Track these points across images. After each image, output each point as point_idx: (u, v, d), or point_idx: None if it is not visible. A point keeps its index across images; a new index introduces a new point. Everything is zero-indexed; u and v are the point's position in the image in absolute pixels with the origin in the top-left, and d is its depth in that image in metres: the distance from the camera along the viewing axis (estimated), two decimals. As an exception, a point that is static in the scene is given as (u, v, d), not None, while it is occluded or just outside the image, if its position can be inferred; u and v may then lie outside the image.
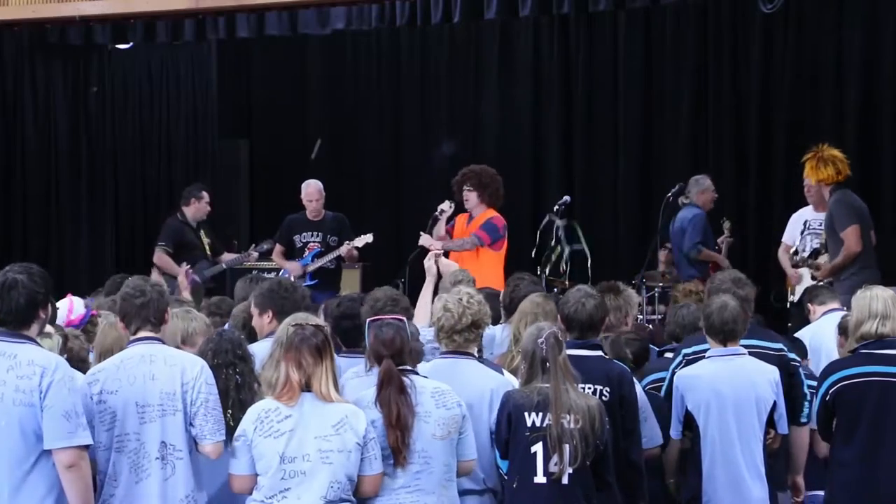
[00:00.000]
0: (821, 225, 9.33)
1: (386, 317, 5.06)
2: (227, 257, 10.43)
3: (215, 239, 10.49)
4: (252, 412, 4.75)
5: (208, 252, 10.27)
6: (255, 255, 10.40)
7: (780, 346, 5.99)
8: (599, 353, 5.48)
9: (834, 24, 11.34)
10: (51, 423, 4.44)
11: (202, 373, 4.81)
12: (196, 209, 10.35)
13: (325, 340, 4.79)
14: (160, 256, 10.13)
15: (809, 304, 7.34)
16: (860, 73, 11.20)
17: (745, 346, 5.76)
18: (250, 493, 4.73)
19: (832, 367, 5.75)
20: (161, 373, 4.78)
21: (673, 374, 5.85)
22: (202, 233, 10.34)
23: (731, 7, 11.64)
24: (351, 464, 4.69)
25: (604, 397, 5.30)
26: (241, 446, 4.71)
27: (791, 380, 5.86)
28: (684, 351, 5.97)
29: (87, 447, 4.53)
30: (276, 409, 4.70)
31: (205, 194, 10.45)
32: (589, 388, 5.28)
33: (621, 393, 5.37)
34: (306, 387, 4.72)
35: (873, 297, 5.63)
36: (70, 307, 6.19)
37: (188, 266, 9.72)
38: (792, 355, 6.01)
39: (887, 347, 5.58)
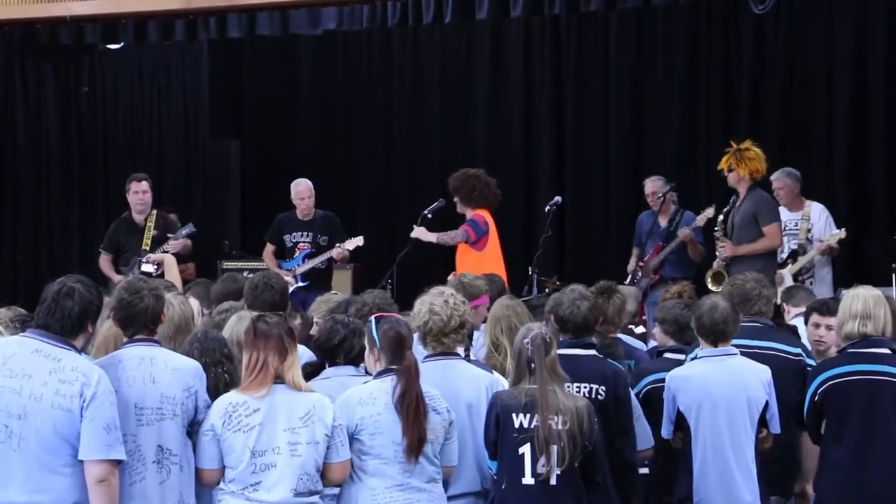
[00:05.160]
0: (797, 225, 9.53)
1: (391, 314, 5.11)
2: (171, 243, 9.77)
3: (165, 228, 9.92)
4: (219, 406, 4.76)
5: (149, 246, 9.79)
6: (178, 242, 9.74)
7: (798, 350, 6.00)
8: (593, 352, 5.49)
9: (825, 24, 11.35)
10: (90, 435, 4.42)
11: (202, 379, 4.83)
12: (130, 201, 9.96)
13: (292, 330, 4.89)
14: (100, 260, 9.97)
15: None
16: (851, 74, 11.21)
17: (764, 348, 5.79)
18: (216, 486, 4.76)
19: (820, 367, 5.76)
20: (162, 376, 4.75)
21: None
22: (149, 225, 9.88)
23: (723, 8, 11.64)
24: (319, 454, 4.73)
25: (599, 396, 5.33)
26: (210, 440, 4.74)
27: (806, 385, 5.81)
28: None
29: (119, 462, 4.50)
30: (244, 403, 4.72)
31: (132, 185, 9.93)
32: (584, 388, 5.31)
33: (616, 392, 5.39)
34: (277, 377, 4.75)
35: (855, 297, 5.65)
36: None
37: (124, 269, 9.58)
38: (809, 360, 6.01)
39: (874, 346, 5.59)
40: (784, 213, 9.64)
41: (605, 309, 6.05)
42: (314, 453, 4.71)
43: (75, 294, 4.53)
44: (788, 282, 9.40)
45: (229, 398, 4.76)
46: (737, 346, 5.79)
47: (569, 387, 5.19)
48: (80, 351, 4.60)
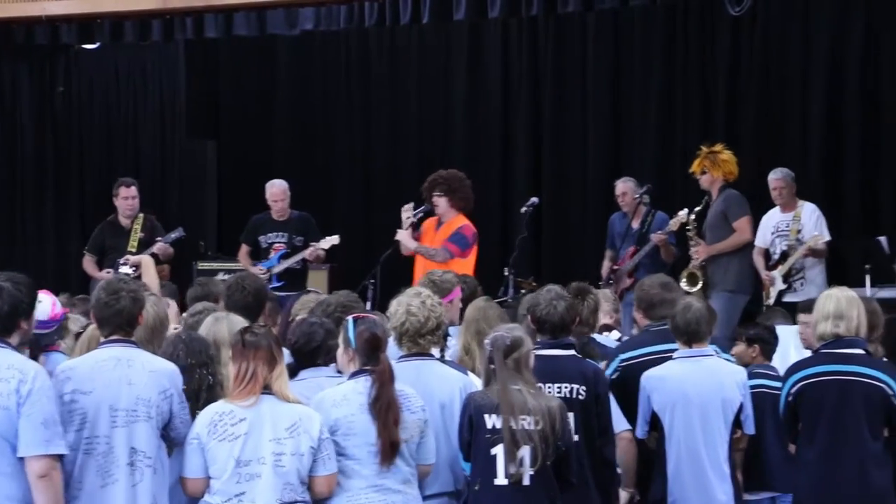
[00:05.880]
0: (788, 227, 9.54)
1: (367, 315, 5.08)
2: (158, 246, 9.74)
3: (152, 231, 9.95)
4: (205, 415, 4.73)
5: (135, 248, 9.77)
6: (165, 246, 9.71)
7: (711, 347, 6.01)
8: (572, 352, 5.49)
9: (801, 25, 11.39)
10: (28, 431, 4.39)
11: (179, 382, 4.81)
12: (119, 206, 10.00)
13: (279, 340, 4.87)
14: (84, 261, 10.01)
15: None
16: (827, 75, 11.25)
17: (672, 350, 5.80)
18: (202, 496, 4.72)
19: (794, 368, 5.82)
20: (139, 378, 4.72)
21: (614, 372, 5.91)
22: (136, 228, 9.91)
23: (699, 9, 11.66)
24: (304, 466, 4.70)
25: (580, 396, 5.32)
26: (195, 449, 4.71)
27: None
28: (621, 356, 6.00)
29: (60, 457, 4.47)
30: (231, 413, 4.69)
31: (121, 190, 9.98)
32: (565, 388, 5.30)
33: (597, 391, 5.38)
34: (265, 387, 4.72)
35: (828, 298, 5.71)
36: (53, 301, 5.78)
37: (108, 270, 9.53)
38: (725, 355, 6.06)
39: (846, 347, 5.64)
40: (777, 213, 9.67)
41: (580, 310, 6.06)
42: (298, 465, 4.68)
43: (3, 293, 4.51)
44: (779, 283, 9.45)
45: (216, 407, 4.73)
46: (650, 352, 5.85)
47: (549, 387, 5.20)
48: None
